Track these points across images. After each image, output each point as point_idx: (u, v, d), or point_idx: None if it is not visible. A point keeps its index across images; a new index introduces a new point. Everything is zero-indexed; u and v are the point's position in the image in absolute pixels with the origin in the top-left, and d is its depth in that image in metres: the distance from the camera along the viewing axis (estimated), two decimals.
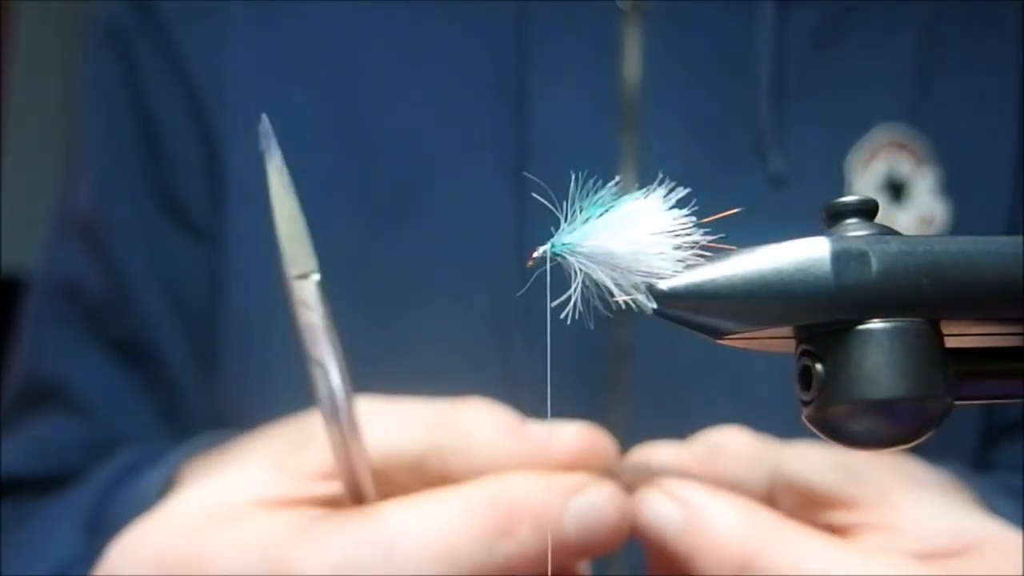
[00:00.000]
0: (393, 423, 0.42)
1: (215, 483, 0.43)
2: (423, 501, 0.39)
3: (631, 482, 0.42)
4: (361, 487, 0.39)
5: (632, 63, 0.60)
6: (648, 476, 0.42)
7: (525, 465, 0.41)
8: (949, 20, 0.65)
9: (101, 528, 0.49)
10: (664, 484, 0.42)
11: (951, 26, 0.65)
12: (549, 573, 0.38)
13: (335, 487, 0.41)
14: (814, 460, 0.44)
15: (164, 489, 0.47)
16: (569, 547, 0.39)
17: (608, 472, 0.42)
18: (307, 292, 0.32)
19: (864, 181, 0.62)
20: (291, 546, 0.38)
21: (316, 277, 0.32)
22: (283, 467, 0.42)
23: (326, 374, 0.35)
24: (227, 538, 0.39)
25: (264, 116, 0.31)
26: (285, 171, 0.31)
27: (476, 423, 0.42)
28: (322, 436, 0.40)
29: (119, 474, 0.53)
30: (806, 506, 0.44)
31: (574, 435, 0.42)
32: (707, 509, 0.40)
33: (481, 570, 0.38)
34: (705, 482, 0.42)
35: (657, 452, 0.45)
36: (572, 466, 0.41)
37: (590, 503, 0.40)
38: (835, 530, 0.43)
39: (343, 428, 0.36)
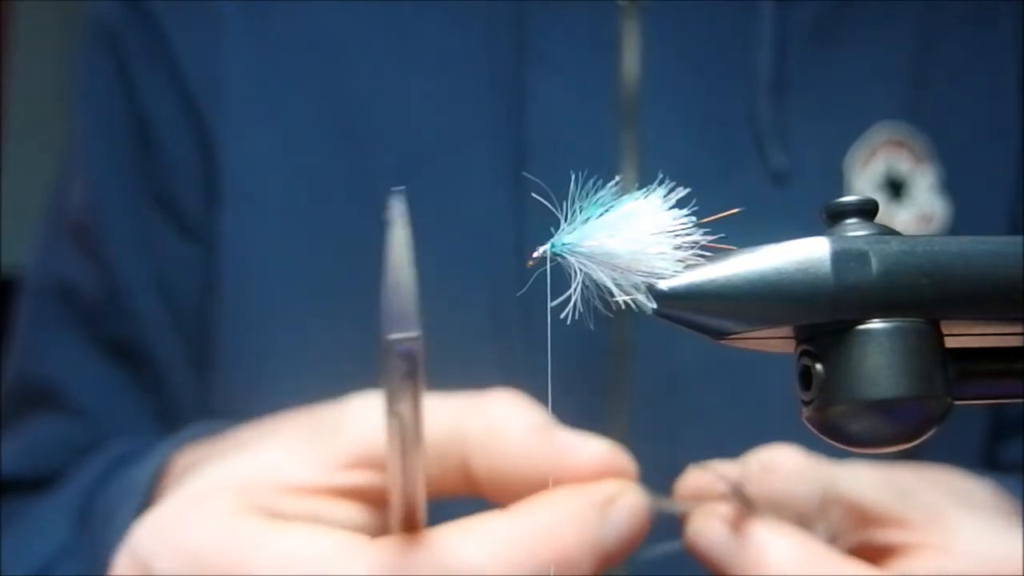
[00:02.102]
0: None
1: (238, 463, 0.43)
2: (477, 531, 0.39)
3: (687, 502, 0.43)
4: (415, 512, 0.39)
5: (630, 60, 0.60)
6: (703, 496, 0.43)
7: (544, 469, 0.41)
8: (947, 18, 0.65)
9: (90, 520, 0.48)
10: (720, 510, 0.42)
11: (949, 24, 0.65)
12: None
13: (360, 478, 0.41)
14: (866, 478, 0.44)
15: (154, 480, 0.46)
16: (609, 558, 0.40)
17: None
18: (410, 352, 0.33)
19: (863, 179, 0.62)
20: (340, 571, 0.38)
21: (420, 341, 0.33)
22: (310, 452, 0.42)
23: (403, 426, 0.35)
24: (273, 552, 0.38)
25: (401, 190, 0.32)
26: (410, 241, 0.33)
27: (502, 417, 0.42)
28: (352, 426, 0.40)
29: (108, 467, 0.53)
30: (858, 524, 0.44)
31: (599, 451, 0.41)
32: (759, 536, 0.41)
33: None
34: (758, 501, 0.42)
35: (710, 471, 0.44)
36: (591, 479, 0.41)
37: (626, 511, 0.40)
38: (887, 549, 0.43)
39: (407, 453, 0.37)
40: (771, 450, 0.44)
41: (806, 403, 0.29)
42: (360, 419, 0.41)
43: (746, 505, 0.42)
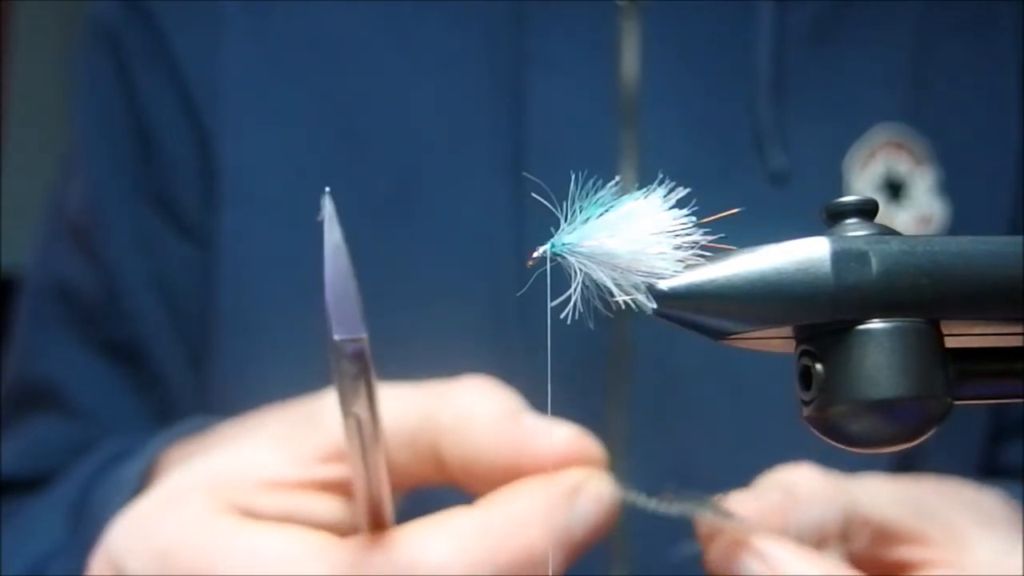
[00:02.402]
0: (389, 402, 0.42)
1: (216, 459, 0.43)
2: (441, 529, 0.39)
3: (713, 532, 0.42)
4: (380, 510, 0.39)
5: (630, 60, 0.60)
6: (730, 526, 0.42)
7: (513, 455, 0.41)
8: (947, 20, 0.65)
9: (83, 518, 0.49)
10: (754, 543, 0.41)
11: (949, 25, 0.65)
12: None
13: (337, 471, 0.41)
14: (884, 495, 0.44)
15: (144, 477, 0.46)
16: (577, 548, 0.40)
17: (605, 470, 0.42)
18: (353, 352, 0.33)
19: (863, 180, 0.62)
20: (304, 570, 0.38)
21: (364, 341, 0.33)
22: (287, 447, 0.42)
23: (360, 426, 0.36)
24: (242, 551, 0.39)
25: (327, 190, 0.33)
26: (343, 245, 0.33)
27: (473, 403, 0.42)
28: (327, 419, 0.40)
29: (101, 464, 0.53)
30: (879, 542, 0.44)
31: (567, 437, 0.41)
32: (790, 567, 0.40)
33: None
34: (783, 531, 0.42)
35: (734, 502, 0.44)
36: (558, 464, 0.41)
37: (592, 500, 0.40)
38: (906, 565, 0.43)
39: (367, 451, 0.37)
40: (789, 472, 0.44)
41: (806, 403, 0.29)
42: (335, 412, 0.42)
43: (788, 530, 0.42)
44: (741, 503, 0.43)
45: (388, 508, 0.39)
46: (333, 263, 0.33)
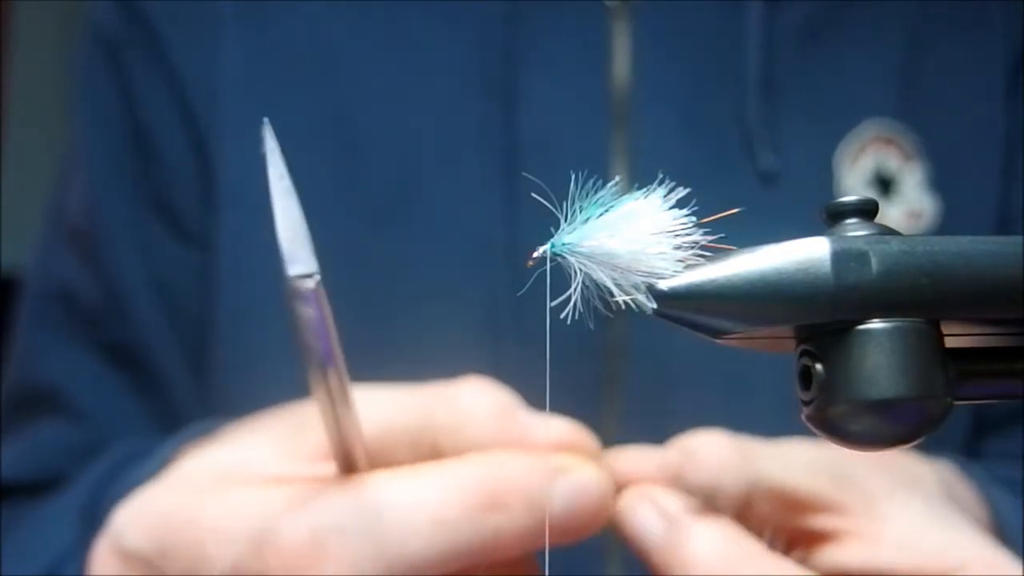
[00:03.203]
0: (390, 401, 0.43)
1: (221, 453, 0.43)
2: (412, 473, 0.39)
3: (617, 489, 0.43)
4: (353, 458, 0.39)
5: (621, 61, 0.61)
6: (629, 480, 0.43)
7: (507, 448, 0.41)
8: (936, 17, 0.66)
9: (96, 520, 0.49)
10: (652, 494, 0.42)
11: (938, 23, 0.66)
12: (547, 548, 0.38)
13: (332, 468, 0.41)
14: (798, 462, 0.44)
15: (158, 478, 0.47)
16: (555, 526, 0.40)
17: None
18: (307, 290, 0.32)
19: (852, 176, 0.62)
20: (278, 514, 0.39)
21: (316, 277, 0.32)
22: (284, 445, 0.42)
23: (320, 359, 0.35)
24: (226, 505, 0.40)
25: (266, 120, 0.32)
26: (286, 174, 0.32)
27: (471, 403, 0.42)
28: (318, 420, 0.40)
29: (113, 467, 0.53)
30: (786, 510, 0.43)
31: (562, 430, 0.42)
32: (689, 527, 0.41)
33: (468, 543, 0.38)
34: (675, 489, 0.42)
35: (631, 455, 0.45)
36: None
37: (577, 483, 0.40)
38: (817, 535, 0.43)
39: (335, 399, 0.37)
40: (695, 437, 0.44)
41: (806, 403, 0.29)
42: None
43: (682, 492, 0.42)
44: (637, 460, 0.43)
45: (361, 456, 0.39)
46: (279, 198, 0.32)
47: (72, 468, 0.58)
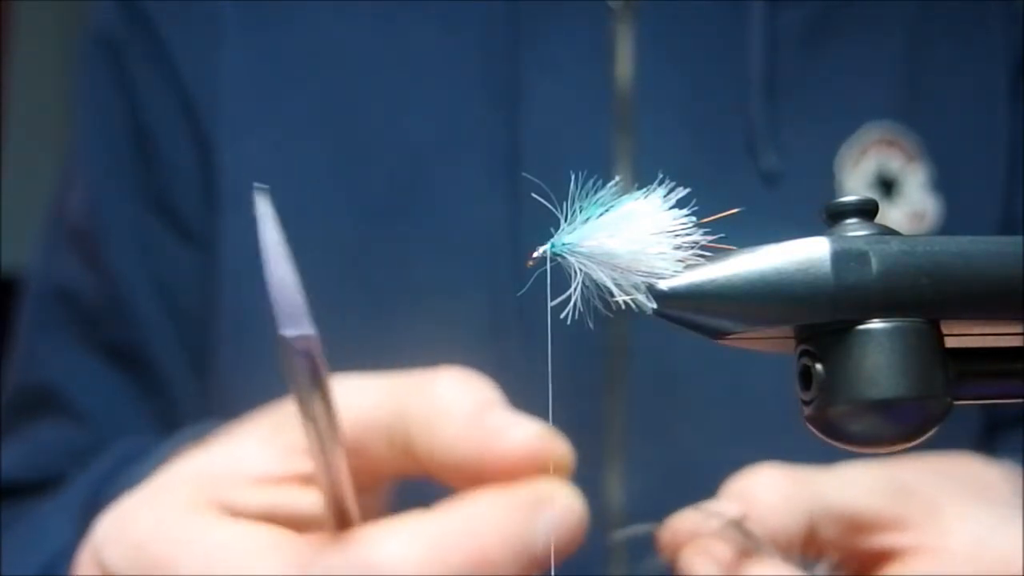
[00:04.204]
0: (367, 392, 0.42)
1: (205, 457, 0.43)
2: (399, 529, 0.39)
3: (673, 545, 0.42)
4: (343, 509, 0.39)
5: (624, 62, 0.61)
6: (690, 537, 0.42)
7: (477, 452, 0.40)
8: (937, 18, 0.66)
9: (94, 519, 0.49)
10: (707, 547, 0.41)
11: (939, 24, 0.66)
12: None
13: (307, 464, 0.41)
14: (856, 483, 0.44)
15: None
16: (539, 563, 0.39)
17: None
18: (303, 350, 0.33)
19: (855, 178, 0.62)
20: (257, 565, 0.38)
21: (313, 339, 0.32)
22: (273, 442, 0.42)
23: (316, 426, 0.35)
24: (203, 546, 0.39)
25: (257, 185, 0.32)
26: (281, 239, 0.32)
27: (446, 396, 0.41)
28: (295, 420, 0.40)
29: (112, 466, 0.53)
30: (852, 532, 0.43)
31: (531, 436, 0.41)
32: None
33: None
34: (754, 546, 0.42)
35: (690, 517, 0.44)
36: (520, 463, 0.41)
37: (557, 517, 0.40)
38: (884, 554, 0.43)
39: (331, 468, 0.37)
40: (748, 477, 0.44)
41: (806, 403, 0.29)
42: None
43: (746, 540, 0.42)
44: (696, 520, 0.43)
45: (352, 506, 0.39)
46: (274, 261, 0.32)
47: (72, 468, 0.58)
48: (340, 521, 0.39)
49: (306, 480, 0.41)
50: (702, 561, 0.41)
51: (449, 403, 0.41)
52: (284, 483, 0.41)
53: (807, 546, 0.42)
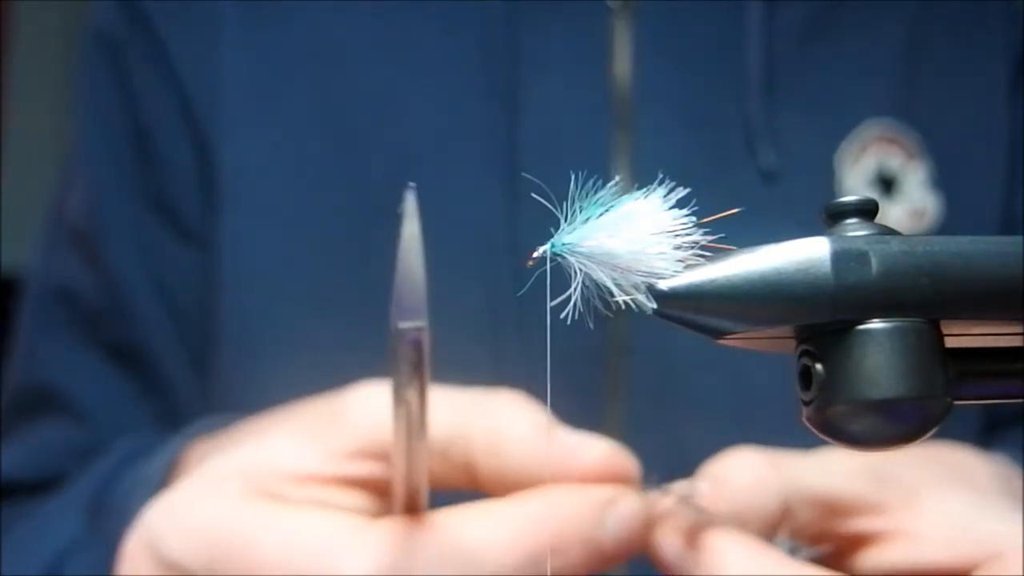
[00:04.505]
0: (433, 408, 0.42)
1: (248, 451, 0.43)
2: (478, 515, 0.39)
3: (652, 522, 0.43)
4: (417, 497, 0.39)
5: (622, 61, 0.61)
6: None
7: (549, 468, 0.41)
8: (936, 16, 0.66)
9: (102, 513, 0.49)
10: (677, 523, 0.42)
11: (939, 22, 0.66)
12: None
13: (364, 468, 0.41)
14: (835, 467, 0.44)
15: (167, 472, 0.47)
16: (606, 558, 0.40)
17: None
18: (416, 341, 0.34)
19: (854, 175, 0.62)
20: (343, 549, 0.38)
21: (424, 329, 0.34)
22: (315, 442, 0.42)
23: (409, 413, 0.37)
24: (284, 530, 0.39)
25: (411, 185, 0.34)
26: (419, 236, 0.34)
27: (507, 416, 0.42)
28: (355, 416, 0.41)
29: (118, 463, 0.53)
30: (828, 516, 0.43)
31: (603, 452, 0.41)
32: (716, 548, 0.40)
33: None
34: (712, 519, 0.42)
35: (668, 495, 0.44)
36: (594, 480, 0.41)
37: (624, 515, 0.40)
38: (861, 538, 0.43)
39: (413, 455, 0.38)
40: (725, 459, 0.44)
41: (806, 403, 0.29)
42: (363, 409, 0.42)
43: (700, 515, 0.42)
44: (670, 496, 0.43)
45: (424, 497, 0.40)
46: (407, 254, 0.34)
47: (74, 468, 0.58)
48: (411, 510, 0.40)
49: (347, 483, 0.41)
50: (671, 539, 0.41)
51: (511, 424, 0.42)
52: (325, 484, 0.41)
53: (785, 529, 0.42)
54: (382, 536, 0.38)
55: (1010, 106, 0.66)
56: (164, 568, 0.41)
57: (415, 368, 0.35)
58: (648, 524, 0.41)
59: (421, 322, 0.34)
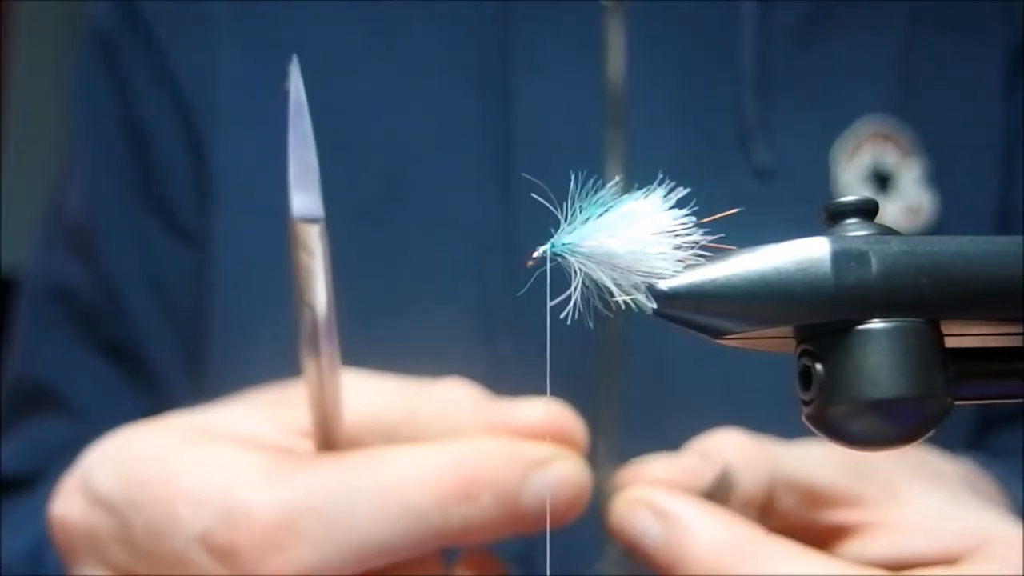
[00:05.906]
0: (370, 391, 0.43)
1: (201, 414, 0.44)
2: (387, 455, 0.39)
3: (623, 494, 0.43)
4: (331, 431, 0.39)
5: (616, 59, 0.61)
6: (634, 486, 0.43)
7: (490, 429, 0.41)
8: (931, 13, 0.66)
9: None
10: (646, 495, 0.42)
11: (933, 19, 0.66)
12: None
13: (311, 446, 0.41)
14: (818, 458, 0.44)
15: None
16: (526, 519, 0.40)
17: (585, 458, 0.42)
18: (309, 236, 0.32)
19: (849, 173, 0.62)
20: (249, 482, 0.38)
21: (320, 223, 0.32)
22: (271, 416, 0.42)
23: (314, 314, 0.35)
24: (199, 464, 0.39)
25: (294, 57, 0.32)
26: (307, 117, 0.32)
27: (451, 397, 0.42)
28: (302, 395, 0.40)
29: None
30: (809, 505, 0.44)
31: (540, 410, 0.42)
32: (686, 521, 0.40)
33: (436, 532, 0.38)
34: (696, 494, 0.42)
35: (649, 466, 0.44)
36: (531, 438, 0.41)
37: (551, 478, 0.40)
38: (840, 529, 0.43)
39: (322, 366, 0.37)
40: (713, 437, 0.44)
41: (806, 403, 0.29)
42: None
43: (701, 494, 0.42)
44: (654, 467, 0.43)
45: (340, 430, 0.39)
46: (297, 137, 0.33)
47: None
48: (325, 439, 0.39)
49: None
50: (642, 513, 0.41)
51: (456, 402, 0.42)
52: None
53: (762, 515, 0.42)
54: (292, 469, 0.38)
55: (1005, 103, 0.66)
56: (91, 501, 0.41)
57: (315, 266, 0.33)
58: (584, 494, 0.41)
59: (319, 214, 0.32)
